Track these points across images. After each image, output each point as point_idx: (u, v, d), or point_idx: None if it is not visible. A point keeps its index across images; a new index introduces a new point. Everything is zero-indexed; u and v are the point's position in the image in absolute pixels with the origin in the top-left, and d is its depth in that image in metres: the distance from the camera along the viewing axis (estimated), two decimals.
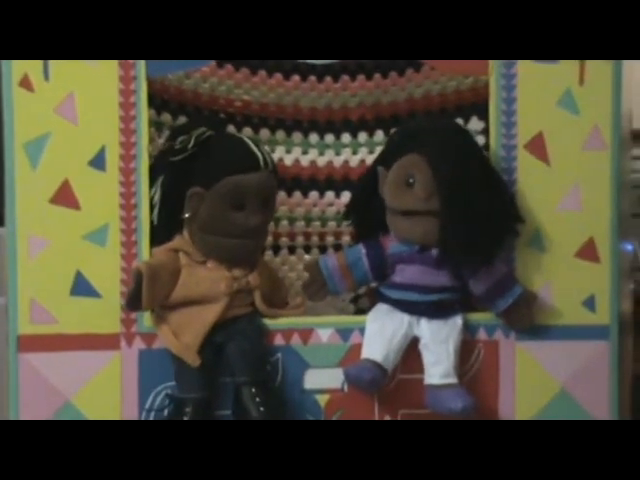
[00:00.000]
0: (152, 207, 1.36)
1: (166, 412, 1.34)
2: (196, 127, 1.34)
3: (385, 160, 1.41)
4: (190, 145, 1.32)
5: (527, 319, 1.41)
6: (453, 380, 1.36)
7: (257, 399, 1.31)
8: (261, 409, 1.30)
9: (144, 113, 1.37)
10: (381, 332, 1.37)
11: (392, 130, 1.49)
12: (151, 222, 1.36)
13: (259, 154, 1.34)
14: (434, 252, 1.37)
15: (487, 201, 1.33)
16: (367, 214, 1.44)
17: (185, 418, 1.30)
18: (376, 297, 1.44)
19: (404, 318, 1.39)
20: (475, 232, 1.32)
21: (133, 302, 1.30)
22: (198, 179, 1.32)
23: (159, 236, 1.37)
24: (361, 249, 1.43)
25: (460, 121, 1.50)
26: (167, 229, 1.37)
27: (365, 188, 1.44)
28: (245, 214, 1.33)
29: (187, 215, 1.33)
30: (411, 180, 1.35)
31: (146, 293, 1.28)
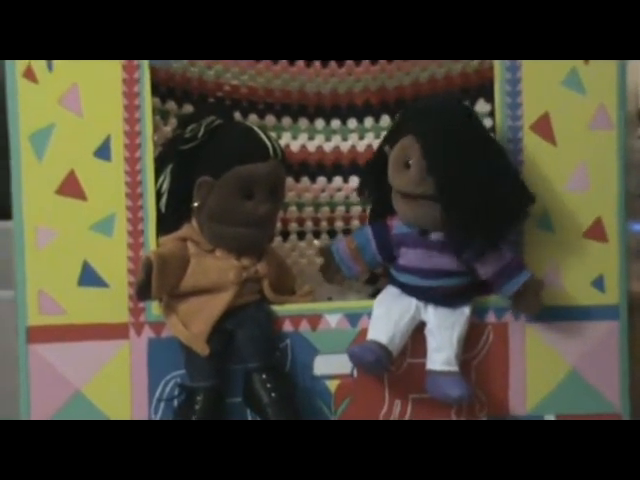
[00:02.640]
0: (159, 196, 1.36)
1: (177, 402, 1.34)
2: (205, 116, 1.34)
3: (390, 140, 1.40)
4: (200, 134, 1.32)
5: (534, 306, 1.39)
6: (454, 368, 1.36)
7: (268, 385, 1.31)
8: (272, 395, 1.30)
9: (148, 101, 1.36)
10: (387, 315, 1.38)
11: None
12: (157, 211, 1.36)
13: (268, 143, 1.33)
14: (433, 236, 1.37)
15: (490, 184, 1.32)
16: (379, 192, 1.44)
17: (197, 407, 1.31)
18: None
19: (412, 302, 1.39)
20: (476, 215, 1.31)
21: (143, 291, 1.30)
22: (207, 168, 1.32)
23: (166, 225, 1.37)
24: (368, 231, 1.43)
25: (466, 104, 1.48)
26: (175, 218, 1.37)
27: (375, 166, 1.43)
28: (254, 203, 1.33)
29: (196, 204, 1.33)
30: (410, 162, 1.34)
31: (156, 282, 1.28)
